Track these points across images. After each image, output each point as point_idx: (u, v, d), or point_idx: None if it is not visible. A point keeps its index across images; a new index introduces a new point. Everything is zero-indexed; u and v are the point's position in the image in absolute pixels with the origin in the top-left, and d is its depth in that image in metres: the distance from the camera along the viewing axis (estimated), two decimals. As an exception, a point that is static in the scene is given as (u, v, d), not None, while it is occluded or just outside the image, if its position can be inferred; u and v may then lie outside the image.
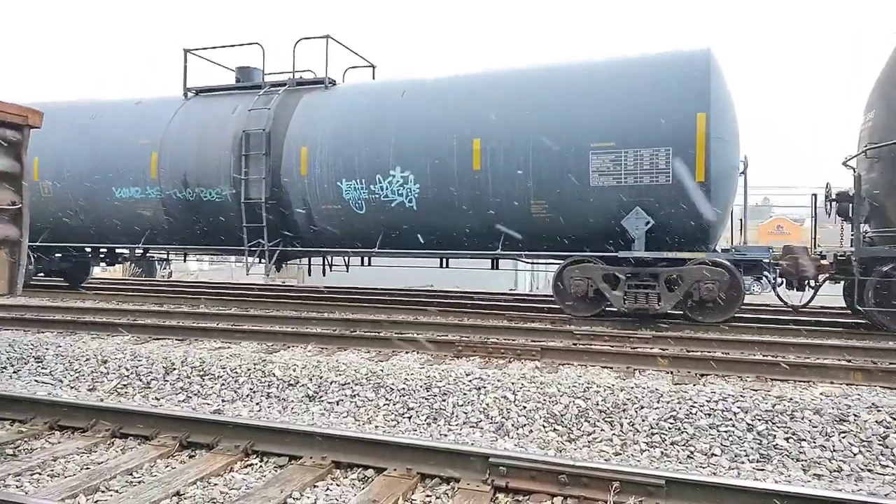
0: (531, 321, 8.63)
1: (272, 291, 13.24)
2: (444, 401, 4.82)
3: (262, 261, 10.37)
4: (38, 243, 11.51)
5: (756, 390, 4.90)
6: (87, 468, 3.50)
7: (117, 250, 12.91)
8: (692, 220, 8.13)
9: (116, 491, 3.20)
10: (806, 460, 3.85)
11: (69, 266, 12.88)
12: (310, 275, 11.61)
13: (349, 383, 5.22)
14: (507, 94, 8.79)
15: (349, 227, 9.66)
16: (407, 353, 6.56)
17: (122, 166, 10.74)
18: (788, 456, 3.90)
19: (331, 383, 5.24)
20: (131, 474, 3.41)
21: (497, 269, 10.29)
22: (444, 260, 10.33)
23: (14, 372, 5.97)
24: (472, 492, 3.13)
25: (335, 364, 5.65)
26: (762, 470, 3.78)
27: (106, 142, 10.92)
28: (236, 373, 5.55)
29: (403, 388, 5.05)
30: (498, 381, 5.08)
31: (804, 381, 5.48)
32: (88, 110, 11.43)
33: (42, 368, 5.98)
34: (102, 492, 3.19)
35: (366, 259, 11.09)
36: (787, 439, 4.06)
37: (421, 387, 5.05)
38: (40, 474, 3.42)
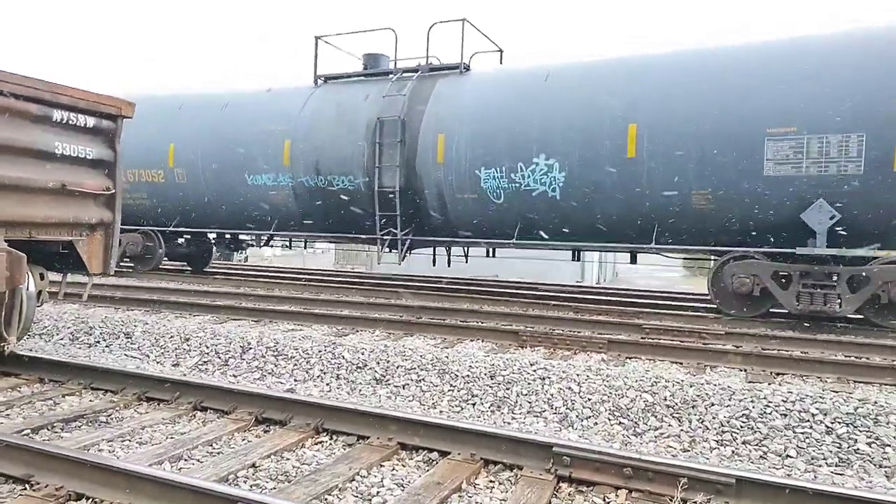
0: (598, 314, 8.51)
1: (342, 277, 13.60)
2: (507, 389, 4.85)
3: (387, 249, 10.28)
4: (171, 228, 12.02)
5: (837, 392, 4.67)
6: (172, 437, 3.73)
7: (241, 236, 13.20)
8: (887, 214, 7.36)
9: (198, 460, 3.40)
10: (890, 467, 3.66)
11: (193, 251, 13.32)
12: (435, 265, 11.57)
13: (415, 368, 5.32)
14: (666, 78, 8.29)
15: (484, 216, 9.40)
16: (471, 340, 6.61)
17: (255, 153, 10.87)
18: (870, 461, 3.72)
19: (397, 368, 5.36)
20: (211, 445, 3.62)
21: (635, 262, 9.92)
22: (577, 252, 10.13)
23: (106, 346, 6.40)
24: (535, 480, 3.15)
25: (402, 349, 5.76)
26: (841, 475, 3.61)
27: (239, 129, 11.10)
28: (308, 354, 5.75)
29: (468, 375, 5.11)
30: (563, 372, 5.05)
31: (890, 385, 5.18)
32: (221, 99, 11.69)
33: (131, 344, 6.39)
34: (185, 460, 3.40)
35: (490, 250, 10.88)
36: (869, 444, 3.86)
37: (485, 374, 5.09)
38: (129, 441, 3.68)
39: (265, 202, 11.00)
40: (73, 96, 4.65)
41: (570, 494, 3.08)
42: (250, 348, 5.98)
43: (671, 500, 2.90)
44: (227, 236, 13.03)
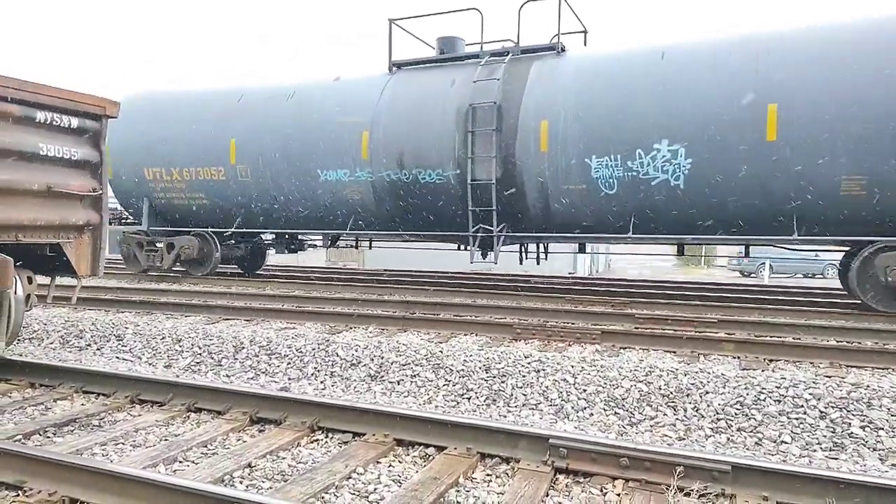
0: (591, 304, 8.52)
1: (334, 275, 13.56)
2: (503, 383, 4.85)
3: (470, 247, 9.54)
4: (233, 229, 11.34)
5: (830, 377, 4.70)
6: (166, 440, 3.70)
7: (300, 236, 12.42)
8: None
9: (193, 462, 3.38)
10: (883, 450, 3.68)
11: (246, 253, 12.60)
12: (521, 263, 10.97)
13: (409, 364, 5.31)
14: (807, 53, 7.58)
15: (593, 209, 8.70)
16: (465, 335, 6.60)
17: (329, 147, 10.10)
18: (864, 445, 3.74)
19: (392, 364, 5.35)
20: (206, 446, 3.59)
21: (748, 256, 9.57)
22: (681, 247, 9.76)
23: (97, 349, 6.35)
24: (532, 472, 3.15)
25: (395, 345, 5.75)
26: (835, 459, 3.63)
27: (309, 122, 10.29)
28: (301, 352, 5.73)
29: (462, 370, 5.10)
30: (557, 363, 5.06)
31: (882, 369, 5.21)
32: (285, 89, 10.89)
33: (122, 346, 6.34)
34: (180, 462, 3.37)
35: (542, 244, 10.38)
36: (863, 428, 3.88)
37: (480, 368, 5.09)
38: (123, 444, 3.64)
39: (339, 199, 10.26)
40: (56, 96, 4.58)
41: (567, 486, 3.08)
42: (243, 348, 5.95)
43: (668, 489, 2.90)
44: (287, 237, 12.21)
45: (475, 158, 9.03)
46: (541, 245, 10.94)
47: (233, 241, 12.09)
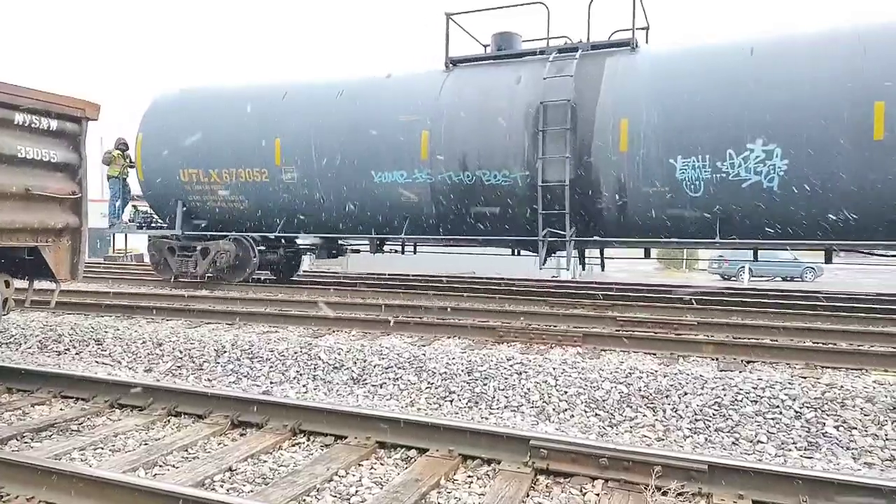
0: (573, 307, 8.58)
1: (317, 278, 13.50)
2: (485, 385, 4.88)
3: (540, 252, 9.09)
4: (276, 234, 10.81)
5: (805, 378, 4.79)
6: (146, 444, 3.68)
7: (340, 241, 11.83)
8: None
9: (173, 465, 3.36)
10: (857, 449, 3.76)
11: (281, 259, 12.10)
12: (584, 269, 10.71)
13: (392, 367, 5.32)
14: None
15: (675, 211, 8.24)
16: (449, 337, 6.62)
17: (384, 147, 9.57)
18: (838, 444, 3.82)
19: (374, 367, 5.35)
20: (187, 450, 3.58)
21: (830, 262, 9.13)
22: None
23: (76, 353, 6.28)
24: (513, 473, 3.18)
25: (378, 348, 5.76)
26: (810, 458, 3.71)
27: (362, 120, 9.76)
28: (283, 356, 5.71)
29: (445, 373, 5.12)
30: (539, 366, 5.10)
31: (856, 369, 5.32)
32: (333, 86, 10.29)
33: (102, 350, 6.28)
34: (160, 466, 3.36)
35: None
36: (836, 427, 3.97)
37: (462, 371, 5.11)
38: (102, 449, 3.62)
39: (394, 202, 9.71)
40: (35, 98, 4.54)
41: (547, 486, 3.12)
42: (225, 352, 5.92)
43: (646, 488, 2.94)
44: (327, 241, 11.62)
45: (546, 159, 8.60)
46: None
47: (267, 247, 11.53)
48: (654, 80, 8.37)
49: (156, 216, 12.26)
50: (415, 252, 11.83)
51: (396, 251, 11.65)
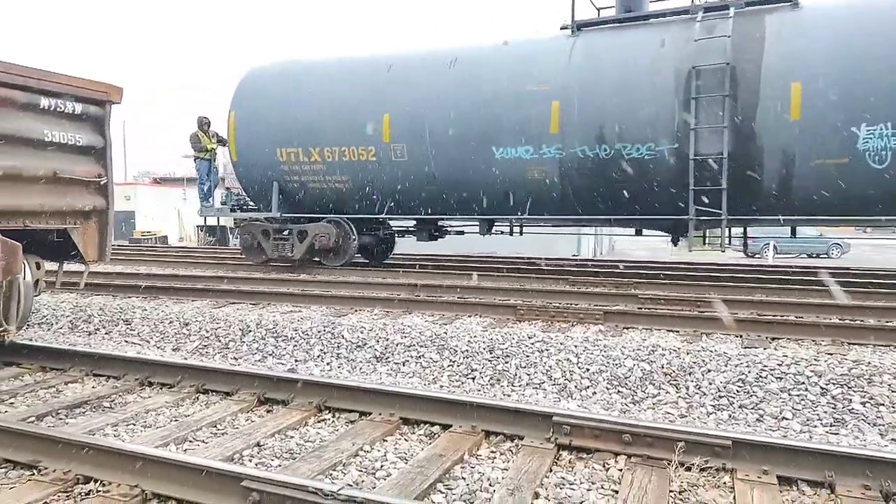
0: (595, 286, 8.55)
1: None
2: (506, 363, 4.90)
3: (689, 233, 8.47)
4: (383, 215, 10.25)
5: (831, 354, 4.73)
6: (176, 420, 3.77)
7: (441, 222, 11.07)
8: None
9: (203, 441, 3.44)
10: (883, 425, 3.73)
11: (376, 241, 11.66)
12: (747, 254, 9.89)
13: (414, 345, 5.37)
14: None
15: (852, 185, 7.45)
16: (469, 316, 6.64)
17: (507, 121, 8.89)
18: (865, 420, 3.79)
19: (397, 345, 5.40)
20: (215, 426, 3.66)
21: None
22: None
23: (106, 333, 6.43)
24: (535, 449, 3.20)
25: (400, 327, 5.80)
26: (836, 434, 3.68)
27: (480, 92, 9.11)
28: (307, 335, 5.79)
29: (467, 350, 5.16)
30: (560, 343, 5.11)
31: (884, 346, 5.24)
32: (444, 55, 9.67)
33: (130, 330, 6.41)
34: (190, 441, 3.44)
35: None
36: (863, 404, 3.93)
37: (484, 349, 5.14)
38: (134, 425, 3.71)
39: (516, 180, 9.04)
40: (60, 82, 4.61)
41: (570, 462, 3.14)
42: (250, 331, 6.01)
43: (669, 464, 2.95)
44: (429, 223, 10.90)
45: (699, 130, 7.84)
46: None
47: (365, 229, 11.00)
48: (829, 40, 7.54)
49: (247, 198, 11.67)
50: (521, 233, 11.20)
51: (503, 232, 11.01)
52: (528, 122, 8.79)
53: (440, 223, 11.26)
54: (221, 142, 11.77)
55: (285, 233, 10.76)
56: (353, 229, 10.49)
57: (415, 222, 11.08)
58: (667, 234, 9.33)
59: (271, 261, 11.00)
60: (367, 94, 9.88)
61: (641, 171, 8.36)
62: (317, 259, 10.89)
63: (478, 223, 10.21)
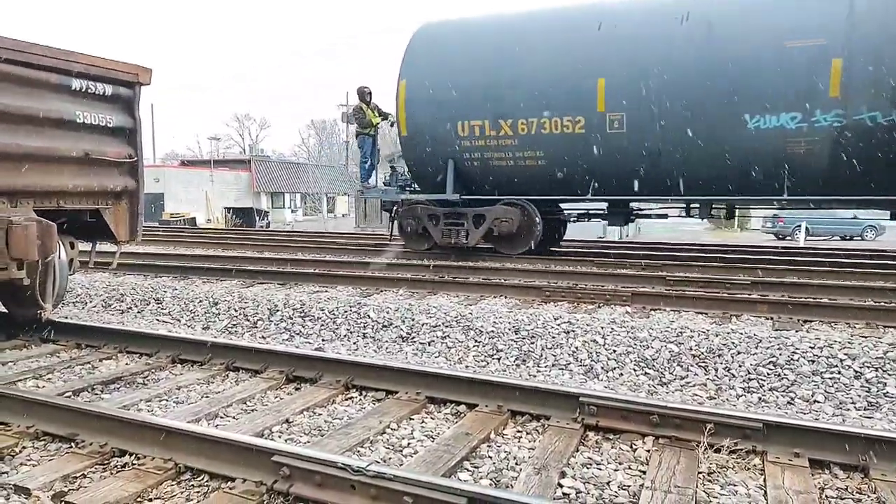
0: (621, 267, 8.47)
1: (362, 240, 13.67)
2: (532, 343, 4.89)
3: None
4: (589, 196, 9.10)
5: (866, 337, 4.63)
6: (207, 397, 3.84)
7: (637, 205, 9.81)
8: None
9: (234, 417, 3.51)
10: (920, 410, 3.64)
11: (554, 225, 10.60)
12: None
13: (440, 326, 5.38)
14: None
15: None
16: (494, 297, 6.64)
17: (766, 84, 7.71)
18: (900, 405, 3.70)
19: (422, 325, 5.42)
20: (245, 403, 3.72)
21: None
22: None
23: (138, 312, 6.56)
24: (562, 429, 3.19)
25: (426, 307, 5.82)
26: (870, 418, 3.61)
27: (726, 51, 7.94)
28: (334, 314, 5.84)
29: (492, 331, 5.16)
30: (587, 325, 5.08)
31: (922, 329, 5.12)
32: (672, 9, 8.38)
33: (161, 309, 6.54)
34: (221, 417, 3.51)
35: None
36: (899, 388, 3.84)
37: (509, 329, 5.13)
38: (167, 401, 3.79)
39: (773, 154, 7.85)
40: (90, 64, 4.66)
41: (597, 442, 3.13)
42: (277, 310, 6.09)
43: (698, 445, 2.92)
44: (622, 206, 9.62)
45: None
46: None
47: (543, 212, 9.66)
48: None
49: (410, 178, 10.58)
50: (734, 217, 9.71)
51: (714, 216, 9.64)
52: (796, 85, 7.60)
53: (634, 206, 9.94)
54: (383, 115, 10.97)
55: (459, 217, 9.69)
56: (538, 213, 9.39)
57: (607, 204, 9.79)
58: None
59: (435, 248, 10.06)
60: (576, 56, 8.65)
61: None
62: (490, 246, 9.90)
63: (688, 205, 9.07)
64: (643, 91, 8.27)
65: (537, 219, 9.35)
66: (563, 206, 10.44)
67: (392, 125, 10.90)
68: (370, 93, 10.97)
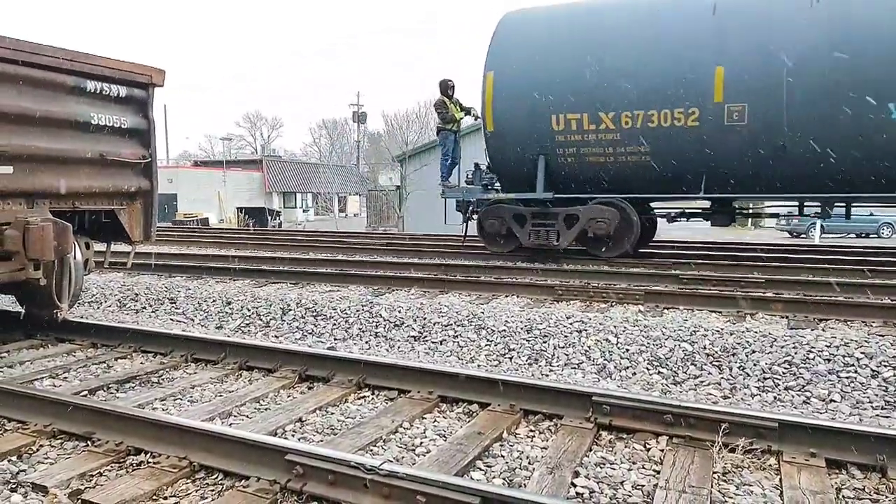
0: (634, 266, 8.42)
1: (375, 240, 13.70)
2: (544, 343, 4.88)
3: None
4: (700, 194, 8.37)
5: (883, 336, 4.58)
6: (221, 395, 3.87)
7: (734, 203, 9.08)
8: None
9: (247, 416, 3.53)
10: (939, 409, 3.60)
11: (645, 225, 9.66)
12: None
13: (451, 325, 5.38)
14: None
15: None
16: (506, 296, 6.63)
17: None
18: (918, 404, 3.66)
19: (434, 324, 5.43)
20: (258, 402, 3.74)
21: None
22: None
23: (152, 311, 6.62)
24: (575, 428, 3.18)
25: (437, 306, 5.82)
26: (887, 417, 3.57)
27: (866, 35, 7.21)
28: (346, 314, 5.86)
29: (504, 330, 5.15)
30: (599, 324, 5.06)
31: (940, 328, 5.04)
32: None
33: (175, 308, 6.59)
34: (235, 416, 3.53)
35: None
36: (917, 387, 3.79)
37: (521, 329, 5.12)
38: (181, 399, 3.82)
39: None
40: (105, 66, 4.70)
41: (610, 442, 3.12)
42: (290, 310, 6.11)
43: (712, 445, 2.90)
44: (726, 204, 8.91)
45: None
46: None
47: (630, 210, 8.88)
48: None
49: (495, 177, 9.96)
50: (849, 216, 8.81)
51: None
52: None
53: (737, 204, 9.27)
54: (465, 110, 10.47)
55: (548, 217, 9.09)
56: (636, 213, 8.78)
57: (710, 203, 9.09)
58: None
59: (519, 250, 9.47)
60: (688, 43, 8.11)
61: None
62: (580, 248, 9.31)
63: (801, 204, 8.41)
64: (769, 79, 7.63)
65: (635, 218, 8.75)
66: (654, 204, 9.75)
67: (476, 119, 10.43)
68: (453, 86, 10.46)
